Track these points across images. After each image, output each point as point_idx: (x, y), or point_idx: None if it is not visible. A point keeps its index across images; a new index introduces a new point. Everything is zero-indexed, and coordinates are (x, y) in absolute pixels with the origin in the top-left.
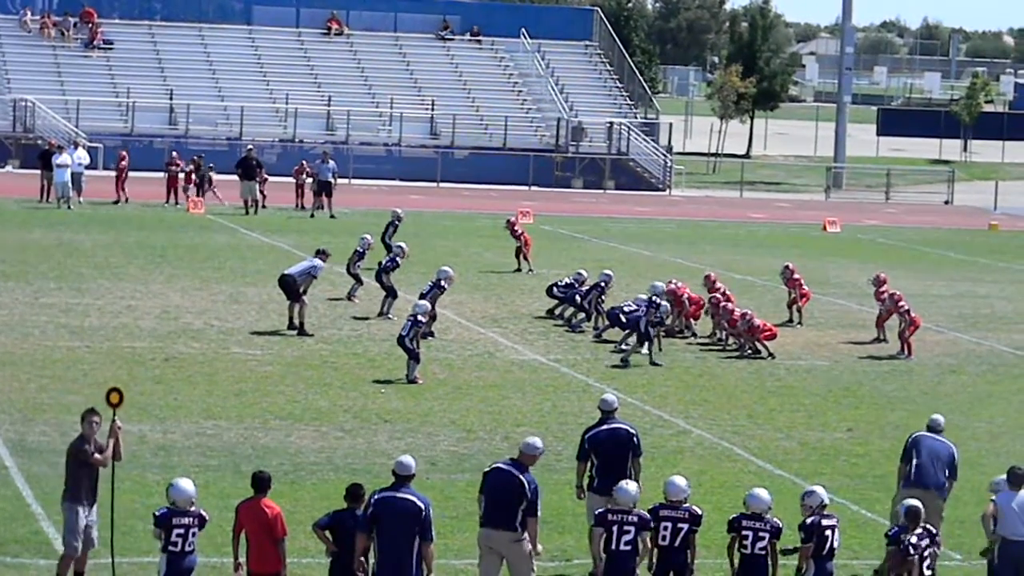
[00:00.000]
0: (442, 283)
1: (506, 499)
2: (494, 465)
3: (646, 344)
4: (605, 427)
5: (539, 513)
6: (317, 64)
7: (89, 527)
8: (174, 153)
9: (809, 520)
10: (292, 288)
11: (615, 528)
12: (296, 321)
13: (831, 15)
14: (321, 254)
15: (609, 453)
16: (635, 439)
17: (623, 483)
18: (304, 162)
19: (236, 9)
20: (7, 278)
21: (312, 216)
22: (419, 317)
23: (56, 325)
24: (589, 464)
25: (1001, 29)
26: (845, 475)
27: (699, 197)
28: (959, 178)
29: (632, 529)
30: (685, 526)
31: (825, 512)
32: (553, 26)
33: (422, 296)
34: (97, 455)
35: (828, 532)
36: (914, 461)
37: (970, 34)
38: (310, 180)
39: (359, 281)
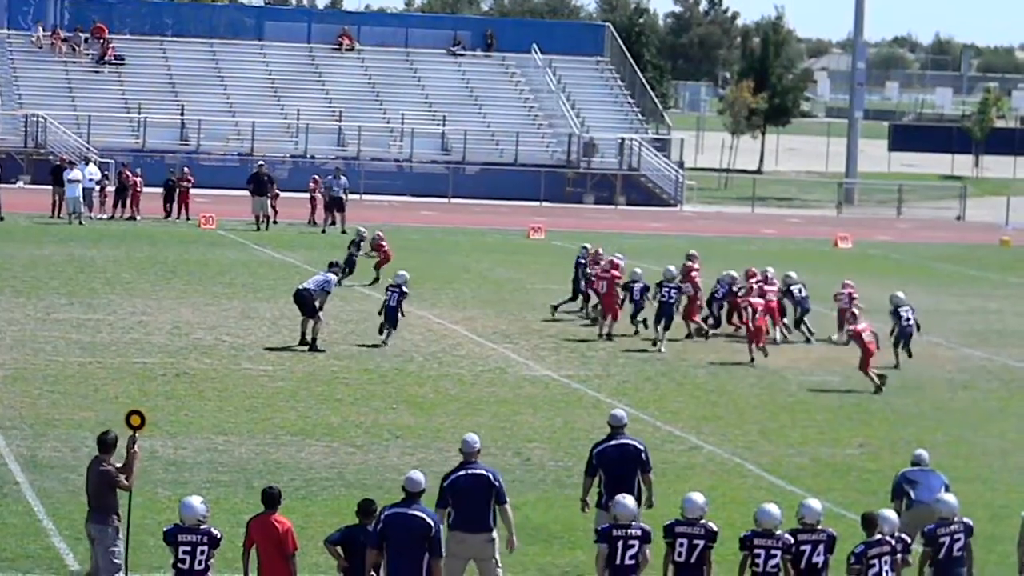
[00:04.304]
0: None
1: (479, 498)
2: (452, 475)
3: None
4: (613, 443)
5: (508, 500)
6: (328, 80)
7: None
8: (186, 169)
9: (787, 535)
10: (308, 303)
11: (619, 543)
12: (308, 337)
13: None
14: (334, 267)
15: (617, 469)
16: (644, 455)
17: (622, 498)
18: (316, 177)
19: (248, 25)
20: (19, 294)
21: (324, 232)
22: (403, 287)
23: (67, 341)
24: (597, 480)
25: (1013, 44)
26: (857, 491)
27: (711, 213)
28: (971, 193)
29: (636, 543)
30: (701, 542)
31: (808, 527)
32: (565, 42)
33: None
34: (123, 480)
35: (805, 547)
36: (910, 491)
37: (982, 49)
38: (320, 195)
39: None
